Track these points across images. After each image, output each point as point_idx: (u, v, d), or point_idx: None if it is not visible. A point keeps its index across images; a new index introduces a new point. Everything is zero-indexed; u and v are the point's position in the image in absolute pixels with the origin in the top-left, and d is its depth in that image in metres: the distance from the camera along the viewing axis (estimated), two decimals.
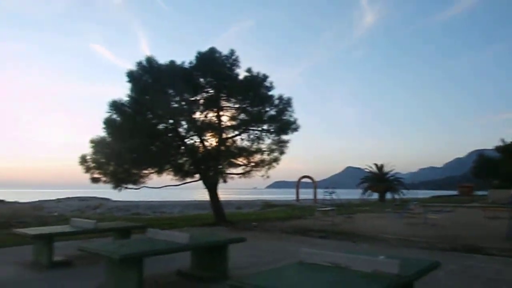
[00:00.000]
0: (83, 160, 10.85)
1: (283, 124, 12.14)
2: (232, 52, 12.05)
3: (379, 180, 33.82)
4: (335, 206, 14.57)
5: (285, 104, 12.13)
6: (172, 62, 11.54)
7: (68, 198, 27.35)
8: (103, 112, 10.88)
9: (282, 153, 12.64)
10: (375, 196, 33.05)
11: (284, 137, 12.52)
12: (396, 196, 31.87)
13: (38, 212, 17.09)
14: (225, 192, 12.95)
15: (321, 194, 21.49)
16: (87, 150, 11.08)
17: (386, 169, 34.98)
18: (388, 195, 32.50)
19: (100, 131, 11.04)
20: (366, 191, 33.67)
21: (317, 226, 11.36)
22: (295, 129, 12.35)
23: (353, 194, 32.75)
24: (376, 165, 35.48)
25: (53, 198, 27.10)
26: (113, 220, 12.35)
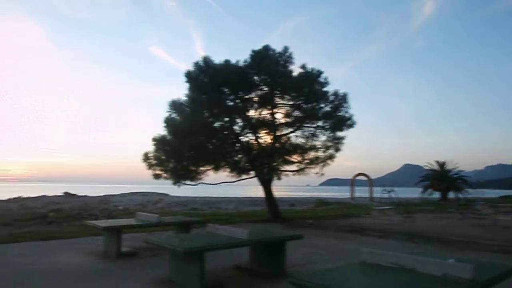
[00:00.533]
0: (146, 157, 11.47)
1: (338, 121, 11.90)
2: (285, 49, 12.04)
3: (441, 178, 31.88)
4: (394, 205, 14.01)
5: (340, 100, 11.88)
6: (227, 62, 11.77)
7: (131, 193, 29.04)
8: (164, 111, 11.43)
9: (337, 150, 12.41)
10: (436, 195, 31.24)
11: (340, 133, 12.29)
12: (460, 196, 29.88)
13: (105, 205, 18.35)
14: (278, 189, 12.99)
15: (377, 192, 20.77)
16: (150, 148, 11.69)
17: (448, 166, 32.90)
18: (451, 194, 30.57)
19: (161, 130, 11.60)
20: (426, 190, 31.93)
21: (374, 225, 11.01)
22: (351, 126, 12.06)
23: (412, 192, 31.23)
24: (437, 162, 33.51)
25: (118, 193, 28.95)
26: (173, 214, 12.92)
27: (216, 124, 11.91)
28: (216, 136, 11.81)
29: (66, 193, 26.41)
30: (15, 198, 21.92)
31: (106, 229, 6.43)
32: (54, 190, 31.46)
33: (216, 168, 11.94)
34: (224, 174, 12.57)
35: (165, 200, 23.87)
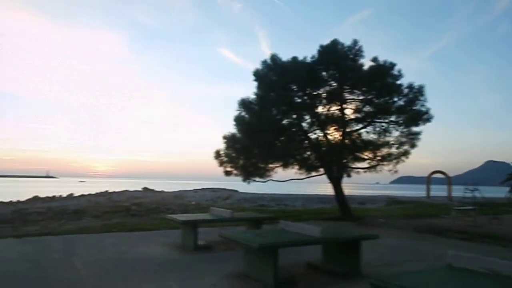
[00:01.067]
0: (217, 154, 11.91)
1: (414, 115, 11.23)
2: (355, 43, 11.66)
3: None
4: (477, 205, 12.87)
5: (416, 93, 11.20)
6: (294, 58, 11.72)
7: (203, 189, 30.33)
8: (234, 110, 11.75)
9: (413, 146, 11.73)
10: None
11: (415, 129, 11.59)
12: None
13: (180, 200, 19.40)
14: (346, 187, 12.64)
15: (456, 191, 19.25)
16: (221, 145, 12.10)
17: None
18: None
19: (231, 128, 11.94)
20: None
21: (455, 226, 10.23)
22: (428, 120, 11.32)
23: (497, 192, 28.44)
24: None
25: (191, 188, 30.44)
26: (242, 210, 13.24)
27: (285, 122, 11.93)
28: (285, 133, 11.84)
29: (145, 188, 28.41)
30: (102, 192, 24.16)
31: (184, 223, 6.80)
32: (135, 185, 34.09)
33: (285, 165, 11.98)
34: (292, 171, 12.58)
35: (234, 196, 24.54)
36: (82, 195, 23.05)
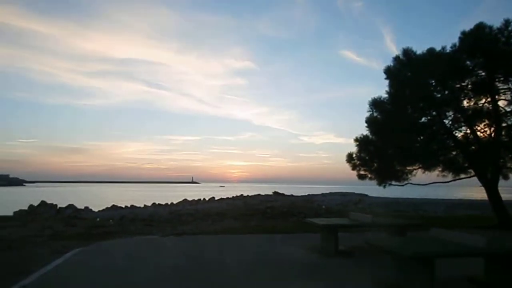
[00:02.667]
0: (350, 158, 11.62)
1: None
2: (507, 23, 10.04)
3: None
4: None
5: None
6: (431, 50, 10.70)
7: (331, 193, 30.06)
8: (364, 112, 11.34)
9: None
10: None
11: None
12: None
13: (310, 204, 19.58)
14: (501, 190, 10.88)
15: None
16: (352, 148, 11.77)
17: None
18: None
19: (363, 130, 11.51)
20: None
21: None
22: None
23: None
24: None
25: (319, 193, 30.49)
26: (376, 215, 12.58)
27: (423, 120, 10.97)
28: (424, 132, 10.88)
29: (275, 193, 29.57)
30: (238, 196, 26.07)
31: (324, 227, 6.80)
32: (265, 190, 35.81)
33: (426, 168, 10.97)
34: (434, 174, 11.46)
35: (365, 200, 23.61)
36: (221, 199, 25.26)
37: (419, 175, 11.52)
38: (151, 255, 6.55)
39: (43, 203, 19.74)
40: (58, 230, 9.59)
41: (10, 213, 16.50)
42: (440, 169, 11.07)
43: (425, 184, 11.74)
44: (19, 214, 15.71)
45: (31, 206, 18.40)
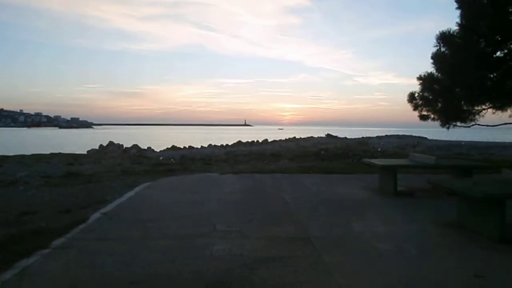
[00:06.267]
0: (411, 97, 10.99)
1: None
2: None
3: None
4: None
5: None
6: None
7: (387, 135, 29.09)
8: (421, 49, 10.45)
9: None
10: None
11: None
12: None
13: (364, 147, 19.19)
14: None
15: None
16: (414, 88, 11.09)
17: None
18: None
19: (428, 67, 10.71)
20: None
21: None
22: None
23: None
24: None
25: (374, 135, 29.66)
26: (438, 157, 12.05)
27: (498, 54, 9.91)
28: (498, 68, 9.87)
29: (328, 135, 29.28)
30: (291, 139, 26.21)
31: (383, 167, 6.67)
32: (318, 132, 35.55)
33: (498, 108, 10.11)
34: (505, 115, 10.56)
35: (423, 143, 22.63)
36: (274, 141, 25.56)
37: (487, 116, 10.71)
38: (213, 190, 6.93)
39: (111, 143, 21.37)
40: (127, 166, 10.40)
41: (84, 152, 18.14)
42: None
43: (495, 125, 10.91)
44: (91, 152, 17.21)
45: (101, 146, 20.02)
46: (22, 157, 13.58)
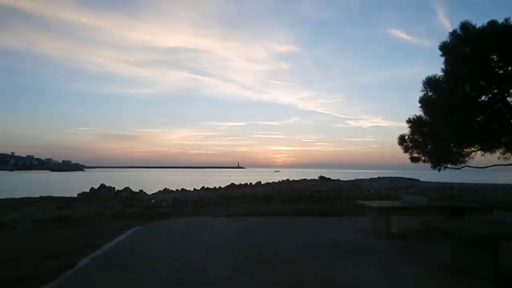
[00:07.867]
0: (402, 140, 11.20)
1: None
2: None
3: None
4: None
5: None
6: (492, 22, 9.91)
7: (379, 177, 29.17)
8: (416, 91, 10.83)
9: None
10: None
11: None
12: None
13: (358, 189, 19.20)
14: None
15: None
16: (403, 131, 11.33)
17: None
18: None
19: (415, 111, 11.02)
20: None
21: None
22: None
23: None
24: None
25: (367, 177, 29.72)
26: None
27: (483, 98, 10.29)
28: (483, 112, 10.20)
29: (321, 177, 29.29)
30: (283, 181, 26.18)
31: (376, 209, 6.68)
32: (311, 174, 35.60)
33: (486, 149, 10.33)
34: (494, 157, 10.77)
35: (416, 185, 22.71)
36: (268, 183, 25.49)
37: (476, 158, 10.91)
38: (205, 234, 6.82)
39: (102, 186, 21.12)
40: (118, 210, 10.24)
41: (75, 195, 17.86)
42: (501, 151, 10.38)
43: (485, 167, 11.07)
44: (82, 195, 16.95)
45: (92, 189, 19.77)
46: (11, 200, 13.34)
